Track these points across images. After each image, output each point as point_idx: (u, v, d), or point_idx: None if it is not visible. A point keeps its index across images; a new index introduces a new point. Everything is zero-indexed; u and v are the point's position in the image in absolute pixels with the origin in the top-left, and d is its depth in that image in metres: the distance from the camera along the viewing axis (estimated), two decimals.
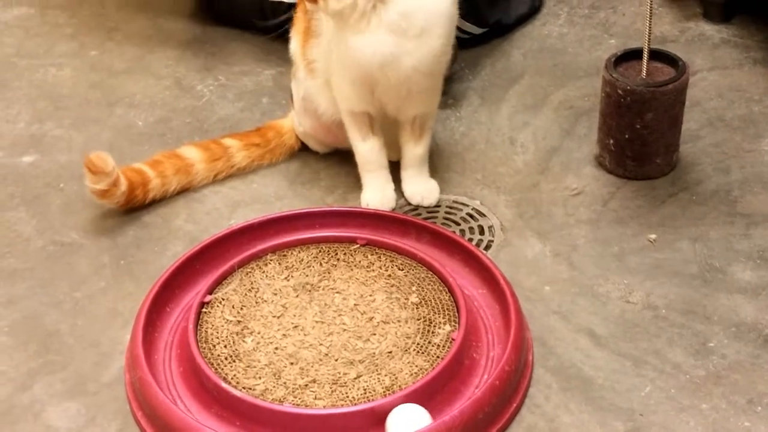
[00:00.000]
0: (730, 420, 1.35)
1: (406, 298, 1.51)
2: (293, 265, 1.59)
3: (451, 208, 1.77)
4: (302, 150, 1.90)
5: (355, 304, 1.50)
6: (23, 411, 1.41)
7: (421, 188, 1.76)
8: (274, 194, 1.82)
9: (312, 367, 1.40)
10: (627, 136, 1.76)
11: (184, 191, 1.81)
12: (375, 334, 1.45)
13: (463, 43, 2.14)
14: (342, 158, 1.84)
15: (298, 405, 1.34)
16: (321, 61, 1.69)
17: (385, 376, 1.38)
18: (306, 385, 1.37)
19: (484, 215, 1.75)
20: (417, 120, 1.69)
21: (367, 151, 1.71)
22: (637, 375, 1.43)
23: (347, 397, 1.35)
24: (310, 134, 1.85)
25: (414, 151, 1.73)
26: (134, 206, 1.75)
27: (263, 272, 1.57)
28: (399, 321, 1.47)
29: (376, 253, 1.60)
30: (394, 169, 1.76)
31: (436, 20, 1.54)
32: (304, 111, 1.80)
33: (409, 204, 1.77)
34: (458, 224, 1.73)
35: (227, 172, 1.84)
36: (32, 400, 1.43)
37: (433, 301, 1.51)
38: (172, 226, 1.74)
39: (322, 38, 1.66)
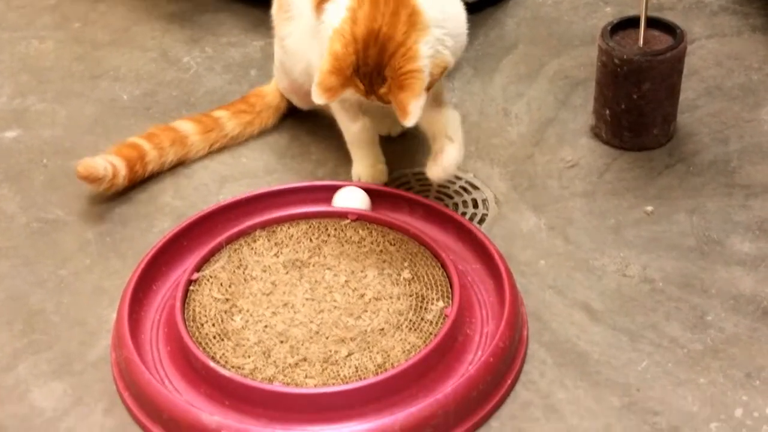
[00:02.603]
0: (728, 394, 1.34)
1: (399, 274, 1.48)
2: (283, 242, 1.55)
3: None
4: (291, 119, 1.87)
5: (346, 281, 1.47)
6: (8, 392, 1.38)
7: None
8: (263, 168, 1.78)
9: (302, 345, 1.37)
10: (623, 107, 1.73)
11: (179, 164, 1.77)
12: (366, 311, 1.42)
13: None
14: (332, 131, 1.80)
15: (288, 384, 1.31)
16: (293, 42, 1.67)
17: (377, 353, 1.35)
18: (296, 364, 1.34)
19: (478, 188, 1.72)
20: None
21: (359, 131, 1.67)
22: (634, 350, 1.41)
23: (338, 375, 1.33)
24: (290, 90, 1.83)
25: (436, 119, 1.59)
26: (136, 182, 1.72)
27: (252, 249, 1.54)
28: (391, 297, 1.44)
29: (368, 228, 1.57)
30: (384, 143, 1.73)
31: None
32: (283, 73, 1.79)
33: (405, 177, 1.73)
34: (451, 198, 1.70)
35: (221, 142, 1.81)
36: (17, 380, 1.40)
37: (425, 276, 1.48)
38: (159, 202, 1.71)
39: (295, 22, 1.64)
